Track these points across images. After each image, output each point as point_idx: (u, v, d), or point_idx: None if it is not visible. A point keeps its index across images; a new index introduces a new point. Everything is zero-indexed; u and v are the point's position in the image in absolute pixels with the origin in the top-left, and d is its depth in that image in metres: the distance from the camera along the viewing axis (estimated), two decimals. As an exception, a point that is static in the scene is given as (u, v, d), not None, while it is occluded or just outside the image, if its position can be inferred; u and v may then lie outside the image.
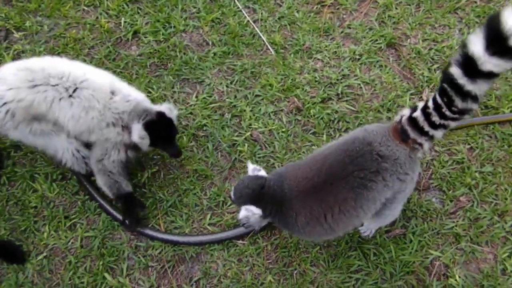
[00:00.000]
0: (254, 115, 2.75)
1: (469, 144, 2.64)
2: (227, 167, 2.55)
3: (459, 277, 2.20)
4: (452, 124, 1.74)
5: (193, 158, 2.57)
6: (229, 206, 2.42)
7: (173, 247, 2.26)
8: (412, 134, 1.79)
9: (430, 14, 3.23)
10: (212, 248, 2.26)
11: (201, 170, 2.52)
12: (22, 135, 2.10)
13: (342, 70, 2.96)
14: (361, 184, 1.75)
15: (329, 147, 1.91)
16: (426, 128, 1.76)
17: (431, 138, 1.80)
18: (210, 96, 2.83)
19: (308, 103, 2.79)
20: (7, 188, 2.40)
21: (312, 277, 2.17)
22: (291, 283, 2.17)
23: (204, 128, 2.71)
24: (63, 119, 2.03)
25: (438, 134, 1.79)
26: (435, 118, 1.72)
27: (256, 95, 2.84)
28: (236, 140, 2.65)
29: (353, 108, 2.79)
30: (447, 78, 1.60)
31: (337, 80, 2.92)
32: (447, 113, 1.68)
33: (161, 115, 2.19)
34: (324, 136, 2.66)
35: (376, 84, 2.90)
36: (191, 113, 2.76)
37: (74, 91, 2.02)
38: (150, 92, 2.80)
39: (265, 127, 2.70)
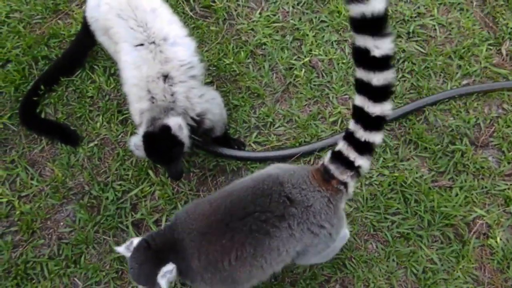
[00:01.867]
0: (316, 41, 2.63)
1: (542, 107, 2.43)
2: (280, 90, 2.50)
3: (500, 239, 2.13)
4: (377, 140, 1.47)
5: (248, 75, 2.52)
6: (276, 128, 2.40)
7: (216, 159, 2.29)
8: (336, 172, 1.54)
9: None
10: (253, 166, 2.28)
11: (254, 88, 2.48)
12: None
13: (418, 7, 2.74)
14: (261, 228, 1.50)
15: (241, 181, 1.69)
16: (352, 156, 1.50)
17: (357, 172, 1.54)
18: (274, 15, 2.72)
19: (376, 37, 2.63)
20: (67, 75, 2.46)
21: (348, 211, 2.16)
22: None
23: (263, 46, 2.63)
24: None
25: (365, 163, 1.52)
26: (360, 134, 1.45)
27: (322, 21, 2.70)
28: (293, 64, 2.57)
29: (422, 50, 2.61)
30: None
31: (411, 17, 2.71)
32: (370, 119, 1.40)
33: (164, 130, 1.87)
34: (386, 74, 2.52)
35: (452, 28, 2.68)
36: (252, 29, 2.68)
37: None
38: (214, 2, 2.72)
39: (326, 55, 2.59)
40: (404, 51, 2.60)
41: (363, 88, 1.36)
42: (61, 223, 2.14)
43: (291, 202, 1.52)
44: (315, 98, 2.47)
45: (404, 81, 2.53)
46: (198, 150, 2.31)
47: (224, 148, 2.28)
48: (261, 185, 1.56)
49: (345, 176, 1.55)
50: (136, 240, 1.59)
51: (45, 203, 2.17)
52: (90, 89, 2.44)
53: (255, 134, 2.37)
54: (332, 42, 2.64)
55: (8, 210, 2.15)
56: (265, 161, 2.28)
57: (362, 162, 1.52)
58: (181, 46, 1.99)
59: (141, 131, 1.87)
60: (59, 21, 2.64)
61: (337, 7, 2.72)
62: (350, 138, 1.49)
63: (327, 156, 1.58)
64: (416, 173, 2.26)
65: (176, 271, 1.54)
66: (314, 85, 2.51)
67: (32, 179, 2.22)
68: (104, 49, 2.46)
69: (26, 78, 2.46)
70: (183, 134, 1.92)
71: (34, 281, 2.01)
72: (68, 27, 2.61)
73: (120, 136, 2.34)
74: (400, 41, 2.64)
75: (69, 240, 2.09)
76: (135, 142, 1.89)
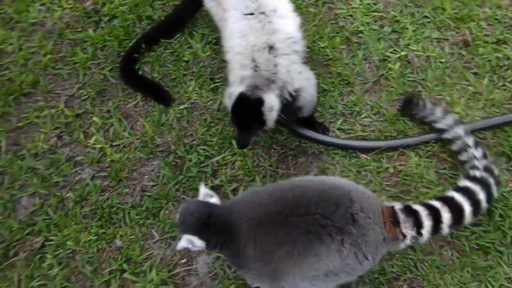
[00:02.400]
0: (415, 36, 2.55)
1: None
2: (371, 80, 2.46)
3: None
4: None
5: (340, 61, 2.50)
6: (362, 118, 2.37)
7: (298, 140, 2.31)
8: (403, 223, 1.61)
9: None
10: (335, 152, 2.27)
11: (345, 75, 2.45)
12: None
13: (533, 14, 2.58)
14: (317, 232, 1.50)
15: (304, 179, 1.72)
16: (426, 223, 1.63)
17: (420, 235, 1.63)
18: (375, 4, 2.66)
19: (479, 40, 2.51)
20: (167, 37, 2.55)
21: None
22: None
23: (360, 34, 2.59)
24: None
25: (425, 237, 1.65)
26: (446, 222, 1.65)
27: (424, 16, 2.61)
28: (388, 56, 2.51)
29: (530, 60, 2.46)
30: None
31: (523, 24, 2.55)
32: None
33: (257, 101, 1.90)
34: (486, 80, 2.41)
35: None
36: (351, 15, 2.64)
37: None
38: (317, -16, 2.70)
39: (423, 52, 2.51)
40: (508, 58, 2.46)
41: None
42: (146, 177, 2.25)
43: (354, 222, 1.52)
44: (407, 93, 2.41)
45: (504, 89, 2.40)
46: (282, 128, 2.33)
47: (308, 130, 2.28)
48: (330, 192, 1.58)
49: (409, 231, 1.61)
50: (212, 197, 1.65)
51: (134, 155, 2.28)
52: (187, 53, 2.51)
53: (340, 121, 2.36)
54: (432, 39, 2.55)
55: (100, 156, 2.29)
56: (347, 149, 2.27)
57: (426, 233, 1.63)
58: (289, 20, 2.03)
59: (240, 88, 1.92)
60: (165, -16, 2.73)
61: (442, 4, 2.61)
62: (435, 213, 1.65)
63: (400, 205, 1.66)
64: (505, 187, 2.16)
65: (199, 247, 1.57)
66: (408, 80, 2.45)
67: (124, 130, 2.35)
68: (204, 17, 2.53)
69: (129, 35, 2.57)
70: (270, 115, 1.96)
71: (116, 225, 2.14)
72: (173, -9, 2.69)
73: (209, 103, 2.40)
74: (506, 48, 2.50)
75: (151, 193, 2.20)
76: (231, 92, 1.94)
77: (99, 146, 2.30)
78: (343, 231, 1.51)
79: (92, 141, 2.32)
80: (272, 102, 1.93)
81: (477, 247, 2.05)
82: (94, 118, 2.37)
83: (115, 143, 2.32)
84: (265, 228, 1.55)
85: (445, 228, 1.69)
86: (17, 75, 2.49)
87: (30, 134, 2.37)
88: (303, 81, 2.06)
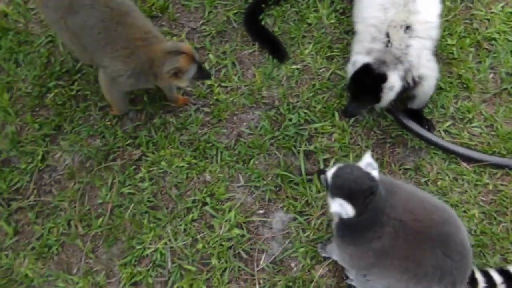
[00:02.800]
0: (556, 56, 2.38)
1: None
2: (492, 91, 2.35)
3: None
4: None
5: (464, 64, 2.39)
6: (472, 126, 2.28)
7: (401, 130, 2.27)
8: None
9: None
10: (435, 152, 2.21)
11: (465, 78, 2.36)
12: None
13: None
14: (439, 269, 1.53)
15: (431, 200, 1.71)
16: None
17: None
18: (515, 11, 2.50)
19: None
20: (295, -3, 2.55)
21: (515, 239, 2.03)
22: (494, 231, 2.06)
23: (492, 42, 2.45)
24: None
25: None
26: None
27: None
28: (517, 72, 2.37)
29: None
30: None
31: None
32: None
33: (380, 77, 1.91)
34: None
35: None
36: (488, 19, 2.50)
37: None
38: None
39: (562, 75, 2.35)
40: None
41: None
42: (244, 123, 2.31)
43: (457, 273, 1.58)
44: (529, 116, 2.28)
45: None
46: (388, 114, 2.29)
47: (414, 123, 2.23)
48: (463, 237, 1.61)
49: None
50: (375, 170, 1.53)
51: (239, 100, 2.35)
52: (311, 16, 2.51)
53: (448, 123, 2.28)
54: None
55: (208, 93, 2.37)
56: (449, 153, 2.20)
57: None
58: (432, 4, 2.01)
59: (367, 59, 1.92)
60: None
61: None
62: None
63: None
64: None
65: (348, 215, 1.50)
66: (532, 102, 2.31)
67: (235, 74, 2.40)
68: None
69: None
70: (388, 94, 1.96)
71: (207, 160, 2.23)
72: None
73: (321, 70, 2.40)
74: None
75: (246, 140, 2.26)
76: (357, 60, 1.95)
77: (208, 83, 2.38)
78: (445, 275, 1.55)
79: (203, 76, 2.40)
80: (394, 81, 1.92)
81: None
82: (210, 55, 2.45)
83: (223, 84, 2.39)
84: (405, 238, 1.55)
85: None
86: (150, -3, 2.60)
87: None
88: (429, 70, 2.02)
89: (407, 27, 1.93)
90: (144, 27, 1.97)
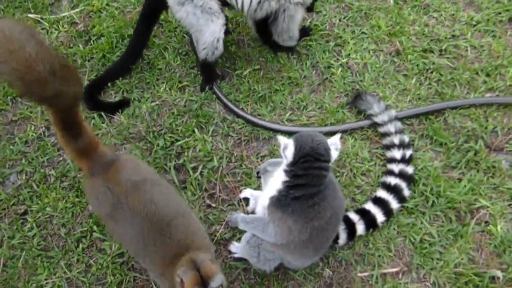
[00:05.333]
0: (355, 47, 3.01)
1: (562, 124, 2.59)
2: (316, 82, 2.88)
3: (501, 228, 2.27)
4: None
5: (291, 67, 2.94)
6: (308, 111, 2.76)
7: (253, 128, 2.68)
8: None
9: None
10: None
11: (294, 78, 2.89)
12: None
13: (454, 31, 3.06)
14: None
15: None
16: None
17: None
18: (323, 25, 3.15)
19: (409, 49, 2.97)
20: (144, 51, 3.03)
21: (359, 183, 2.43)
22: (341, 181, 2.45)
23: (308, 47, 3.05)
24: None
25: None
26: None
27: (363, 32, 3.09)
28: (332, 64, 2.95)
29: (451, 65, 2.90)
30: None
31: (445, 38, 3.02)
32: None
33: None
34: (414, 79, 2.83)
35: (483, 50, 2.95)
36: (301, 34, 3.12)
37: None
38: (272, 9, 3.22)
39: (362, 59, 2.95)
40: (434, 63, 2.90)
41: None
42: (119, 158, 2.60)
43: None
44: (346, 92, 2.82)
45: (430, 88, 2.81)
46: (238, 119, 2.72)
47: (260, 119, 2.67)
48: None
49: None
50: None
51: (110, 141, 2.66)
52: (160, 63, 2.98)
53: (289, 113, 2.75)
54: (369, 50, 3.01)
55: (81, 142, 2.66)
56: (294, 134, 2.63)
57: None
58: None
59: None
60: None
61: (378, 23, 3.10)
62: None
63: None
64: (428, 162, 2.49)
65: (287, 148, 1.77)
66: (347, 81, 2.87)
67: (103, 123, 2.74)
68: (178, 36, 3.01)
69: (113, 49, 3.05)
70: None
71: (90, 196, 2.46)
72: (152, 16, 3.22)
73: (177, 100, 2.82)
74: (432, 56, 2.95)
75: (123, 171, 2.54)
76: None
77: (80, 134, 2.67)
78: None
79: (75, 131, 2.71)
80: None
81: (402, 209, 2.34)
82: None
83: (95, 133, 2.70)
84: (332, 224, 1.90)
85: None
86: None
87: (23, 126, 2.76)
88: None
89: None
90: (184, 240, 1.69)
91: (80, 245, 2.28)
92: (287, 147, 1.76)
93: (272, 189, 1.86)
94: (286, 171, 1.81)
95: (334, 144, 1.77)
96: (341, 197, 1.95)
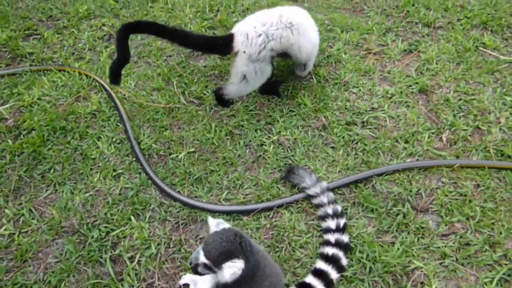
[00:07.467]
0: (284, 125, 3.19)
1: (476, 182, 2.82)
2: (251, 161, 2.98)
3: (436, 287, 2.35)
4: None
5: (225, 148, 3.04)
6: (244, 189, 2.82)
7: (190, 210, 2.69)
8: None
9: (468, 72, 3.55)
10: (221, 217, 2.65)
11: (229, 158, 2.98)
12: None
13: (372, 104, 3.34)
14: None
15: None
16: None
17: None
18: (253, 105, 3.34)
19: (334, 123, 3.18)
20: (77, 142, 3.03)
21: (299, 257, 2.46)
22: (280, 256, 2.47)
23: (241, 128, 3.19)
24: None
25: None
26: None
27: (291, 110, 3.30)
28: (264, 142, 3.09)
29: (373, 135, 3.13)
30: None
31: (366, 111, 3.29)
32: None
33: None
34: (341, 151, 3.01)
35: (400, 119, 3.23)
36: (233, 115, 3.28)
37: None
38: (204, 94, 3.38)
39: (292, 136, 3.12)
40: (358, 134, 3.12)
41: None
42: (50, 255, 2.48)
43: None
44: (280, 167, 2.93)
45: (356, 158, 2.99)
46: (175, 203, 2.72)
47: (197, 201, 2.69)
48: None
49: None
50: (223, 223, 1.88)
51: (40, 238, 2.54)
52: (94, 152, 2.97)
53: (225, 193, 2.79)
54: (298, 126, 3.20)
55: (9, 242, 2.53)
56: (231, 213, 2.66)
57: None
58: None
59: None
60: (78, 103, 3.31)
61: (303, 100, 3.33)
62: None
63: None
64: (362, 229, 2.59)
65: (234, 267, 1.71)
66: (280, 157, 3.00)
67: (33, 218, 2.63)
68: (111, 125, 3.06)
69: (45, 142, 3.03)
70: None
71: (17, 300, 2.29)
72: (85, 107, 3.26)
73: (112, 189, 2.79)
74: (355, 128, 3.18)
75: (55, 269, 2.41)
76: None
77: (7, 233, 2.55)
78: None
79: (2, 230, 2.58)
80: None
81: (342, 278, 2.37)
82: (6, 211, 2.66)
83: (24, 230, 2.58)
84: None
85: None
86: None
87: None
88: None
89: None
90: None
91: None
92: (231, 266, 1.75)
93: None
94: None
95: (219, 223, 1.87)
96: (277, 272, 1.97)
